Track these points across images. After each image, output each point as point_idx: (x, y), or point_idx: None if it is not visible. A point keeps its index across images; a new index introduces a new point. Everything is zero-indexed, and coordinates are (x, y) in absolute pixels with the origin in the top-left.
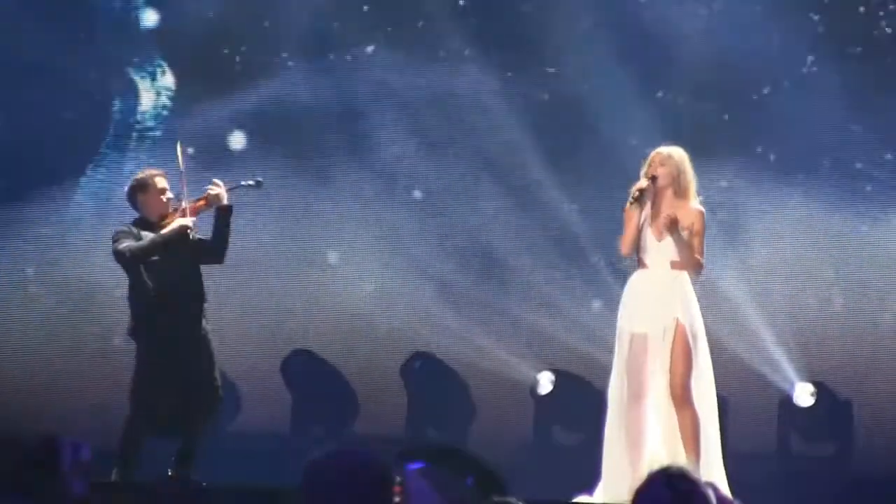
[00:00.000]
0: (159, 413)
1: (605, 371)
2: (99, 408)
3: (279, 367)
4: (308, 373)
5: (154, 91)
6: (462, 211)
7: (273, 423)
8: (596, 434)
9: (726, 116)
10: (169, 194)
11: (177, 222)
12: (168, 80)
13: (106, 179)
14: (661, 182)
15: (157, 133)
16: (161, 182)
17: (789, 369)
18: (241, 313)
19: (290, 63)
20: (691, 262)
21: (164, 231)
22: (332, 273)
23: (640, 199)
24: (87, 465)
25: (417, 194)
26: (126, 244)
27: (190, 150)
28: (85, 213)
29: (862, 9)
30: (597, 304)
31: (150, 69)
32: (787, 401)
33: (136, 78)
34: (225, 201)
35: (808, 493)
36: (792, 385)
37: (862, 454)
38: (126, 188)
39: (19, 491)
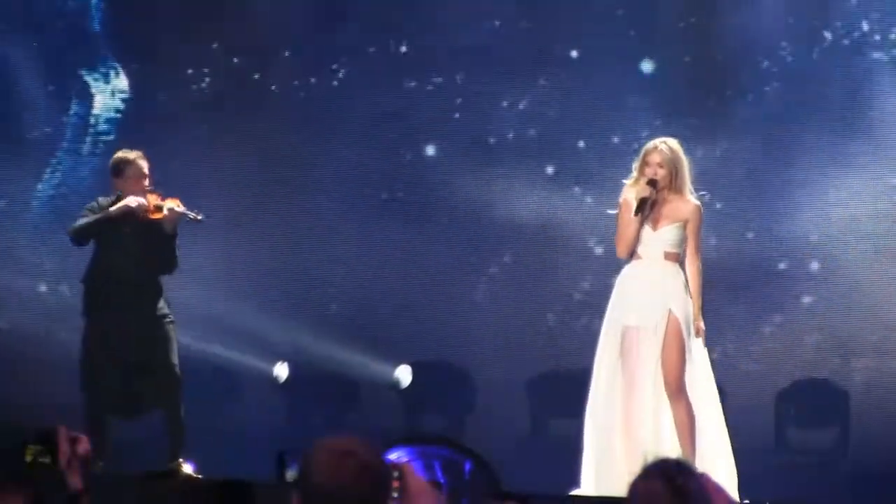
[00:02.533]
0: (110, 393)
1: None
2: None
3: (277, 361)
4: (305, 366)
5: (108, 93)
6: (449, 210)
7: (271, 417)
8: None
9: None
10: (145, 182)
11: (123, 202)
12: (122, 82)
13: (62, 184)
14: (660, 184)
15: (111, 137)
16: (138, 167)
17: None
18: (239, 307)
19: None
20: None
21: (110, 209)
22: (330, 267)
23: (643, 208)
24: (86, 459)
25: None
26: (75, 223)
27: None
28: (42, 219)
29: (828, 35)
30: (591, 297)
31: (102, 70)
32: (782, 394)
33: (90, 80)
34: (173, 225)
35: (805, 485)
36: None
37: (859, 447)
38: (109, 163)
39: (16, 484)
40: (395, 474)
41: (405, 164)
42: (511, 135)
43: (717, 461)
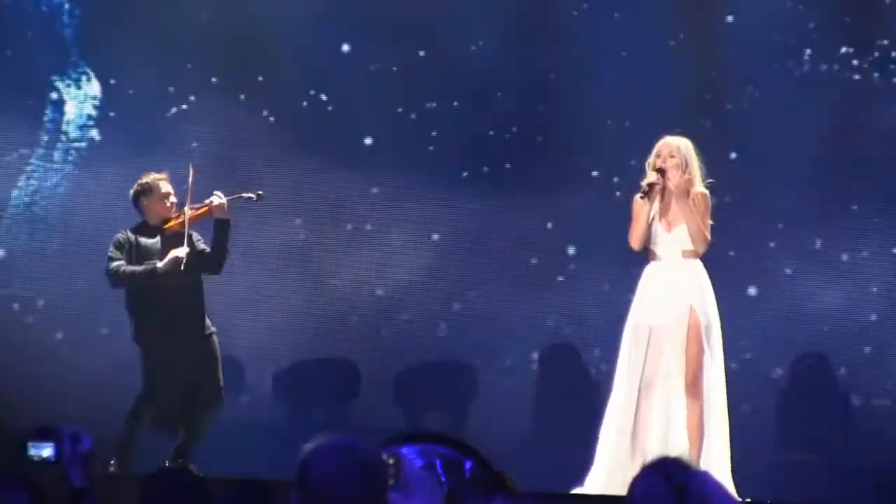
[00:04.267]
0: (162, 414)
1: (603, 361)
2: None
3: (279, 360)
4: (307, 364)
5: (79, 100)
6: (455, 205)
7: (273, 415)
8: (594, 426)
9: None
10: (172, 199)
11: (171, 255)
12: (94, 88)
13: (36, 192)
14: (669, 174)
15: (83, 144)
16: (164, 186)
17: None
18: (243, 305)
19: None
20: (699, 236)
21: (158, 264)
22: (334, 266)
23: (649, 194)
24: (88, 456)
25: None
26: (115, 264)
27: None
28: (16, 227)
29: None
30: (599, 293)
31: (74, 77)
32: (785, 391)
33: (61, 86)
34: (226, 213)
35: (807, 484)
36: None
37: (861, 445)
38: (130, 192)
39: (18, 482)
40: (391, 462)
41: (371, 196)
42: (486, 168)
43: (715, 458)
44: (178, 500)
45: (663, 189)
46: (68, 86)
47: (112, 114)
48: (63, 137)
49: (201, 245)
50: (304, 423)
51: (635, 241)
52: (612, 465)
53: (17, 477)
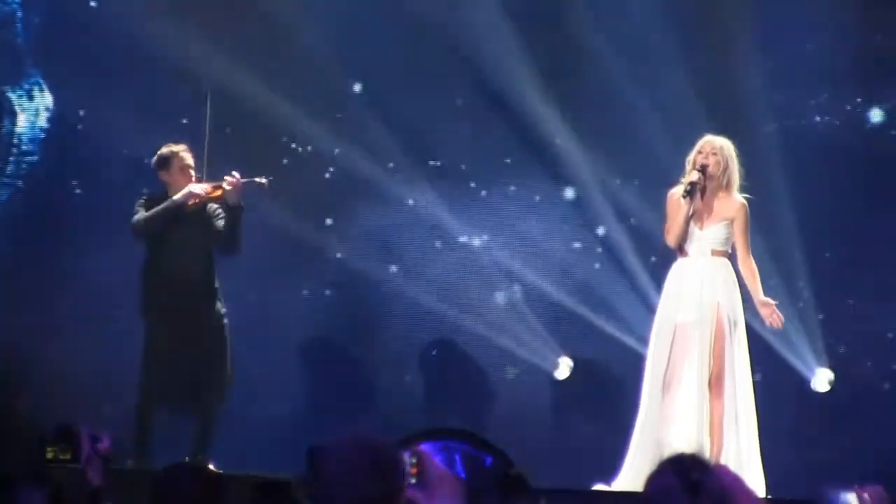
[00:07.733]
0: (166, 390)
1: (625, 358)
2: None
3: (294, 356)
4: (324, 360)
5: (31, 112)
6: (476, 202)
7: (288, 411)
8: (614, 422)
9: None
10: (192, 172)
11: (186, 189)
12: (47, 99)
13: None
14: (710, 171)
15: (35, 158)
16: (184, 159)
17: (810, 354)
18: (255, 301)
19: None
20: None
21: (174, 197)
22: (346, 261)
23: (692, 192)
24: (106, 455)
25: (411, 202)
26: (137, 216)
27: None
28: None
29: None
30: (620, 290)
31: (26, 87)
32: (806, 387)
33: (13, 97)
34: (237, 197)
35: (827, 481)
36: (812, 371)
37: (882, 444)
38: (152, 162)
39: (37, 481)
40: (413, 461)
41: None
42: (463, 238)
43: (748, 456)
44: (191, 496)
45: (703, 188)
46: (20, 96)
47: (62, 118)
48: (14, 150)
49: (220, 221)
50: (318, 421)
51: (673, 239)
52: (637, 461)
53: (36, 475)
